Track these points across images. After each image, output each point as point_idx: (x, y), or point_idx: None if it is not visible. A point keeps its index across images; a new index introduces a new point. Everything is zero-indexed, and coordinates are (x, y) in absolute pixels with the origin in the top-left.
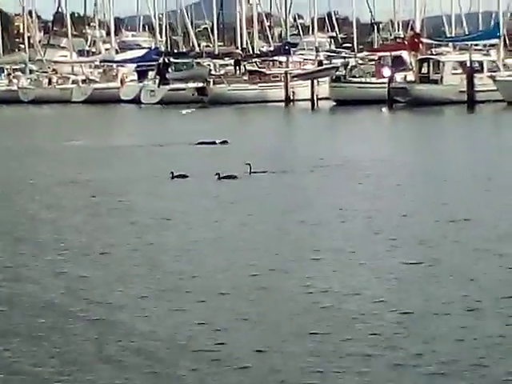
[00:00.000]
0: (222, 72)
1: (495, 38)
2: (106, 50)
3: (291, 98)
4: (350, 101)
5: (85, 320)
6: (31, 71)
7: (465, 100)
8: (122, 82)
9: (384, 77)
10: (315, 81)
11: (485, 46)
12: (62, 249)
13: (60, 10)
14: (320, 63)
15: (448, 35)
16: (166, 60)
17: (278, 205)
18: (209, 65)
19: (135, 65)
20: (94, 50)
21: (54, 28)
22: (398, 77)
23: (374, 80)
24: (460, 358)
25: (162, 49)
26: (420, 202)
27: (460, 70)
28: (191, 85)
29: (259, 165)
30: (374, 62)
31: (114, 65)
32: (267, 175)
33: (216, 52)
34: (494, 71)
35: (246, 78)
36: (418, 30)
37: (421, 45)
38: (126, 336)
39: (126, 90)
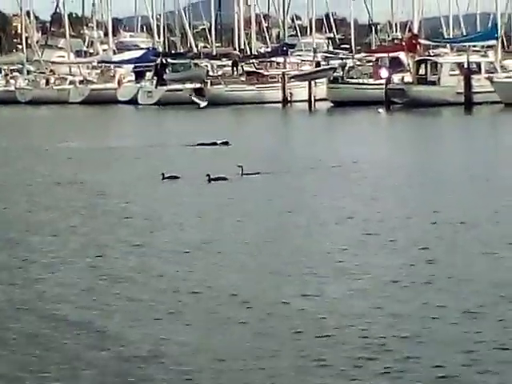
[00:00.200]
0: (220, 73)
1: (493, 39)
2: (104, 50)
3: (289, 99)
4: (348, 102)
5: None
6: (29, 72)
7: (462, 101)
8: (119, 82)
9: (381, 78)
10: (313, 82)
11: (482, 47)
12: (53, 251)
13: (58, 10)
14: (318, 64)
15: (446, 36)
16: (164, 61)
17: (264, 207)
18: (206, 66)
19: (133, 66)
20: (91, 50)
21: (52, 28)
22: (396, 78)
23: (371, 81)
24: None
25: (160, 50)
26: (417, 204)
27: (457, 72)
28: (189, 86)
29: (257, 166)
30: (371, 63)
31: (112, 65)
32: (259, 177)
33: (214, 53)
34: (492, 73)
35: (243, 78)
36: (415, 31)
37: (418, 46)
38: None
39: (124, 91)
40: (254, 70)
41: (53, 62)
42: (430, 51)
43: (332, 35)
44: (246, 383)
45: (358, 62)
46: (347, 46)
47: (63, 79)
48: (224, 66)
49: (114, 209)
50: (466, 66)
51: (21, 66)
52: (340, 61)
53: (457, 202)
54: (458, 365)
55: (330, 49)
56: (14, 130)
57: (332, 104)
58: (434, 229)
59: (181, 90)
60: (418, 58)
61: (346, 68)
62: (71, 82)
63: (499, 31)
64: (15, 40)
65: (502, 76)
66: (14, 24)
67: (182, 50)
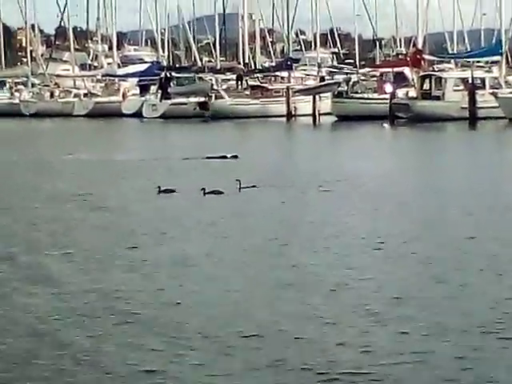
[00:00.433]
0: (224, 87)
1: (497, 54)
2: (108, 64)
3: (293, 113)
4: (352, 116)
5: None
6: (33, 85)
7: (466, 117)
8: (123, 96)
9: (386, 93)
10: (317, 96)
11: (487, 62)
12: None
13: (62, 24)
14: (322, 79)
15: (450, 52)
16: (168, 74)
17: (257, 222)
18: (211, 79)
19: (137, 79)
20: (96, 64)
21: (57, 42)
22: (400, 93)
23: (375, 96)
24: None
25: (164, 63)
26: (420, 220)
27: (462, 87)
28: (193, 99)
29: (258, 179)
30: (375, 78)
31: (116, 79)
32: (257, 191)
33: (218, 67)
34: (496, 88)
35: (247, 92)
36: (420, 46)
37: (423, 61)
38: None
39: (128, 104)
40: (259, 84)
41: (57, 75)
42: (435, 66)
43: (336, 50)
44: None
45: (363, 77)
46: (351, 61)
47: (68, 92)
48: (228, 79)
49: (100, 222)
50: (470, 81)
51: (25, 78)
52: (344, 75)
53: (461, 217)
54: None
55: (335, 63)
56: (17, 143)
57: (336, 118)
58: (437, 244)
59: (185, 104)
60: (422, 73)
61: (351, 83)
62: (76, 95)
63: (503, 47)
64: (20, 53)
65: (506, 91)
66: (19, 37)
67: (186, 64)
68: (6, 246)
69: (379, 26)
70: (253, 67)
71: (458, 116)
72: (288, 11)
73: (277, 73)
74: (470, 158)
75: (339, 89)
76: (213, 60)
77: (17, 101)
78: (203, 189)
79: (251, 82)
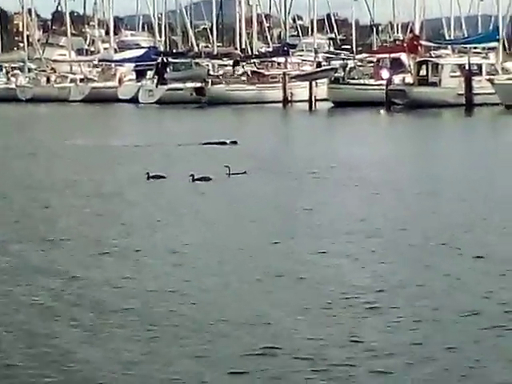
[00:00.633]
0: (221, 72)
1: (494, 41)
2: (105, 49)
3: (289, 99)
4: (348, 102)
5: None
6: (30, 70)
7: (463, 103)
8: (120, 81)
9: (382, 79)
10: (313, 82)
11: (484, 49)
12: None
13: (59, 8)
14: (319, 64)
15: (447, 38)
16: (165, 60)
17: (241, 208)
18: (207, 65)
19: (134, 64)
20: (92, 49)
21: (53, 27)
22: (397, 79)
23: (372, 82)
24: None
25: (161, 49)
26: (414, 207)
27: (458, 73)
28: (189, 85)
29: (255, 166)
30: (372, 64)
31: (113, 64)
32: (247, 177)
33: (215, 52)
34: (493, 74)
35: (244, 78)
36: (417, 32)
37: (420, 47)
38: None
39: (124, 90)
40: (255, 69)
41: (54, 60)
42: (431, 52)
43: (333, 36)
44: None
45: (359, 63)
46: (348, 47)
47: (64, 77)
48: (225, 65)
49: (85, 207)
50: (466, 67)
51: (22, 63)
52: (341, 61)
53: (455, 205)
54: None
55: (331, 49)
56: (12, 128)
57: (333, 104)
58: (431, 231)
59: (182, 90)
60: (418, 59)
61: (347, 68)
62: (72, 80)
63: (500, 33)
64: (16, 38)
65: (502, 78)
66: (16, 22)
67: (183, 50)
68: None
69: (376, 11)
70: (249, 53)
71: (455, 102)
72: None
73: (273, 58)
74: (466, 144)
75: (336, 75)
76: (209, 45)
77: (13, 86)
78: (192, 175)
79: (248, 68)
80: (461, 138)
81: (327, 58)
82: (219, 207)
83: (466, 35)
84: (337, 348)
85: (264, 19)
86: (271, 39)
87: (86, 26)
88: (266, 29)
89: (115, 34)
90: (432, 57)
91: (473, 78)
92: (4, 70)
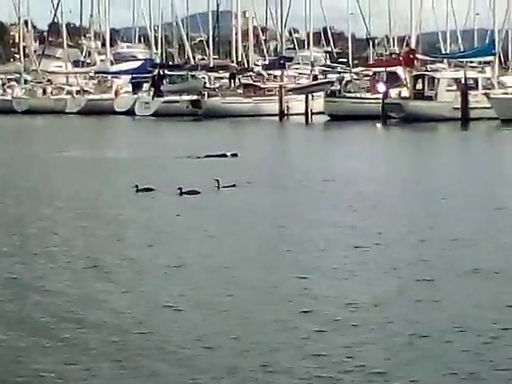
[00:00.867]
0: (217, 85)
1: (490, 55)
2: (101, 61)
3: (285, 112)
4: (345, 116)
5: None
6: (26, 81)
7: (459, 117)
8: (116, 93)
9: (378, 92)
10: (310, 95)
11: (480, 63)
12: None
13: (56, 20)
14: (315, 78)
15: (443, 52)
16: (161, 72)
17: (227, 222)
18: (203, 77)
19: (130, 76)
20: (89, 60)
21: (50, 38)
22: (393, 93)
23: (368, 95)
24: None
25: (157, 61)
26: (410, 220)
27: (455, 87)
28: (185, 97)
29: (247, 179)
30: (368, 78)
31: (109, 76)
32: (237, 191)
33: (211, 65)
34: (489, 88)
35: (240, 91)
36: (413, 46)
37: (416, 61)
38: None
39: (120, 102)
40: (252, 82)
41: (50, 72)
42: (428, 66)
43: (330, 49)
44: None
45: (356, 76)
46: (345, 60)
47: (60, 89)
48: (221, 78)
49: (68, 219)
50: (463, 81)
51: (18, 75)
52: (337, 75)
53: (450, 218)
54: None
55: (328, 62)
56: (7, 140)
57: (329, 117)
58: (426, 246)
59: (178, 102)
60: (415, 73)
61: (344, 82)
62: (68, 92)
63: (496, 47)
64: (13, 49)
65: (498, 92)
66: (12, 33)
67: (179, 62)
68: None
69: (372, 25)
70: (246, 65)
71: (451, 116)
72: (282, 9)
73: (270, 71)
74: (462, 158)
75: (332, 88)
76: (206, 58)
77: (9, 97)
78: (180, 188)
79: (244, 81)
80: (457, 152)
81: (323, 71)
82: (204, 221)
83: (462, 49)
84: None
85: (260, 32)
86: (267, 52)
87: (83, 37)
88: (263, 42)
89: (111, 45)
90: (428, 71)
91: (469, 92)
92: (0, 82)
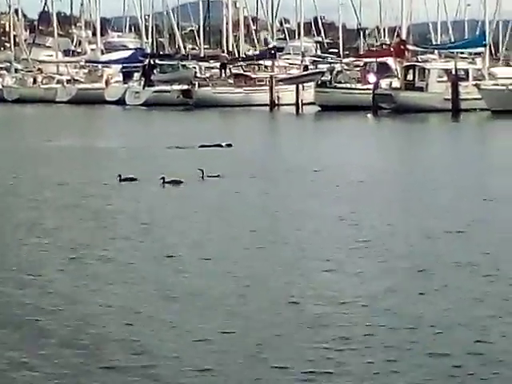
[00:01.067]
0: (208, 75)
1: (481, 46)
2: (92, 50)
3: (276, 102)
4: (335, 106)
5: None
6: (16, 70)
7: (449, 108)
8: (106, 82)
9: (369, 83)
10: (300, 85)
11: (470, 54)
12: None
13: (46, 9)
14: (305, 68)
15: (434, 42)
16: (152, 62)
17: (206, 212)
18: (194, 67)
19: (120, 66)
20: (79, 50)
21: (40, 27)
22: (383, 83)
23: (359, 86)
24: None
25: (148, 50)
26: (399, 210)
27: (445, 78)
28: (176, 87)
29: (233, 169)
30: (359, 68)
31: (100, 65)
32: (221, 181)
33: (202, 55)
34: (479, 80)
35: (231, 81)
36: (403, 36)
37: (406, 52)
38: None
39: (111, 91)
40: (242, 72)
41: (40, 61)
42: (418, 57)
43: (320, 39)
44: None
45: (346, 67)
46: (335, 51)
47: (50, 78)
48: (212, 67)
49: (49, 209)
50: (453, 72)
51: (8, 64)
52: (328, 65)
53: (439, 209)
54: None
55: (318, 53)
56: None
57: (319, 108)
58: (415, 236)
59: (168, 92)
60: (405, 64)
61: (334, 72)
62: (58, 81)
63: (487, 38)
64: (3, 38)
65: (489, 83)
66: (2, 22)
67: (170, 52)
68: None
69: (363, 15)
70: (236, 55)
71: (441, 107)
72: None
73: (260, 61)
74: (453, 149)
75: (322, 78)
76: (196, 48)
77: None
78: (162, 178)
79: (235, 71)
80: (447, 143)
81: (314, 61)
82: (184, 210)
83: (452, 40)
84: None
85: (251, 22)
86: (258, 42)
87: (73, 26)
88: (253, 32)
89: (102, 35)
90: (419, 61)
91: (459, 83)
92: None
